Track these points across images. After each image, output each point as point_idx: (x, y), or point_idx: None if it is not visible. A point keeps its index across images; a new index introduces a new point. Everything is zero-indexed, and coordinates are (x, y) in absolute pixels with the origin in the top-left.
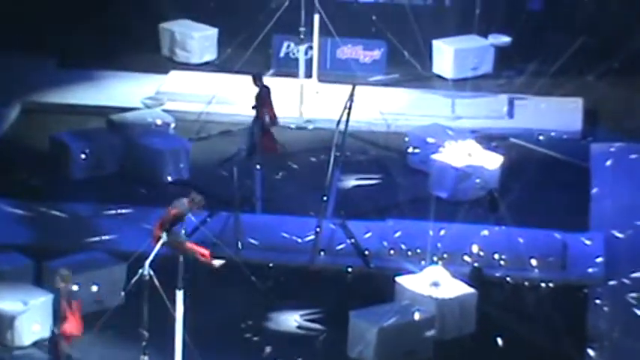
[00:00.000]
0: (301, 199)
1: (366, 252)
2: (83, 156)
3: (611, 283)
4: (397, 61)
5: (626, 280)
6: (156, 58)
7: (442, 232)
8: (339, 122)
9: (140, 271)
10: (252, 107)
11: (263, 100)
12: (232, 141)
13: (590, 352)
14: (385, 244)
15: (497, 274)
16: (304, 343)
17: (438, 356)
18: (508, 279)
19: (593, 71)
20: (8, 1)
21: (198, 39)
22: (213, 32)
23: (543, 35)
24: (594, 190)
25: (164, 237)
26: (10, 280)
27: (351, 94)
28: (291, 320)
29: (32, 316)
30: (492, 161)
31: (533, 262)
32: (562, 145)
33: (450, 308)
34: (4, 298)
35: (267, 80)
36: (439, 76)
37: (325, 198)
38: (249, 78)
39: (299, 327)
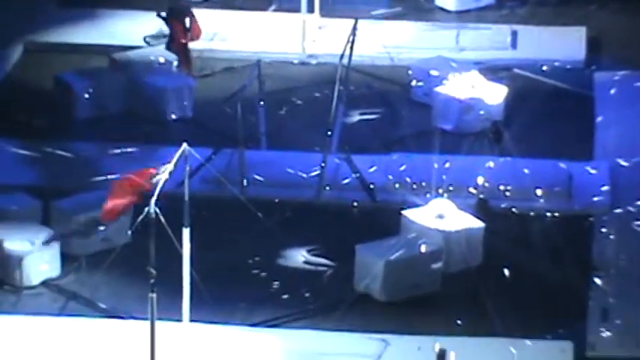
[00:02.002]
0: (306, 135)
1: (372, 186)
2: (87, 95)
3: (617, 211)
4: None
5: (631, 208)
6: None
7: (447, 165)
8: (342, 57)
9: (146, 209)
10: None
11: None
12: (235, 77)
13: (597, 280)
14: (390, 177)
15: (503, 205)
16: (311, 277)
17: (445, 289)
18: (514, 210)
19: None
20: None
21: None
22: None
23: None
24: (599, 119)
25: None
26: (17, 221)
27: (354, 29)
28: (298, 255)
29: (40, 256)
30: (496, 93)
31: (539, 192)
32: (566, 74)
33: (457, 240)
34: (11, 238)
35: (269, 16)
36: (442, 9)
37: (330, 133)
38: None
39: (306, 262)
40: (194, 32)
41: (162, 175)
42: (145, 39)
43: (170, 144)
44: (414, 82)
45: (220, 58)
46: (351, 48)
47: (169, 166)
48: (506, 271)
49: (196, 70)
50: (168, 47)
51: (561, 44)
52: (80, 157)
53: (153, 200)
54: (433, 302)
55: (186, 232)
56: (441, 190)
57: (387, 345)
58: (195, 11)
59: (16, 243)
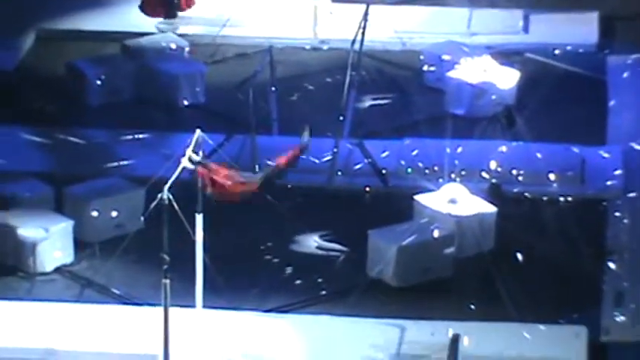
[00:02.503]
0: (317, 120)
1: (384, 171)
2: (99, 82)
3: (630, 195)
4: None
5: None
6: None
7: (459, 150)
8: (353, 42)
9: (159, 195)
10: None
11: None
12: (247, 63)
13: (611, 264)
14: (403, 162)
15: (516, 190)
16: (324, 263)
17: (457, 273)
18: (527, 194)
19: None
20: None
21: None
22: None
23: None
24: (611, 103)
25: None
26: (30, 207)
27: (365, 14)
28: (311, 241)
29: (53, 243)
30: (508, 77)
31: (552, 176)
32: (578, 58)
33: (469, 225)
34: (24, 225)
35: (281, 1)
36: None
37: (342, 118)
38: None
39: (318, 247)
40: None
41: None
42: (157, 25)
43: (182, 130)
44: (425, 67)
45: (232, 44)
46: (363, 33)
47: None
48: (519, 256)
49: (208, 56)
50: None
51: (573, 28)
52: (92, 144)
53: (166, 186)
54: (446, 287)
55: (199, 218)
56: (453, 175)
57: (400, 330)
58: None
59: (30, 230)
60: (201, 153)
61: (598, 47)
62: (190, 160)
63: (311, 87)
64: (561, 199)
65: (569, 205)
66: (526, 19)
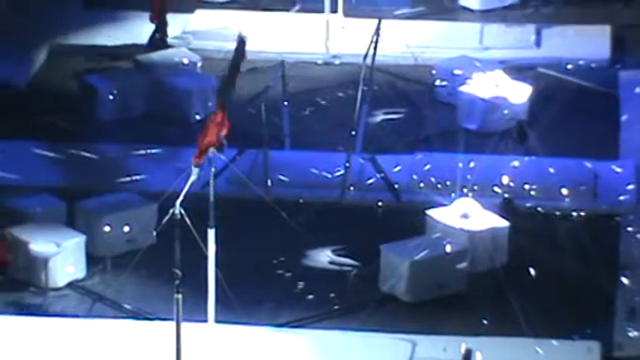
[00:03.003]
0: (330, 135)
1: (396, 186)
2: (111, 97)
3: None
4: None
5: None
6: None
7: (472, 164)
8: (365, 57)
9: (171, 210)
10: None
11: None
12: (259, 78)
13: (624, 279)
14: (415, 177)
15: (528, 205)
16: (336, 278)
17: (470, 288)
18: (539, 209)
19: None
20: None
21: None
22: None
23: None
24: (624, 118)
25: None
26: (42, 222)
27: (377, 28)
28: (323, 256)
29: (66, 258)
30: (521, 92)
31: (564, 191)
32: (590, 73)
33: (482, 240)
34: (36, 239)
35: (293, 16)
36: (465, 8)
37: (354, 133)
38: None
39: (331, 262)
40: None
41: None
42: (168, 40)
43: (194, 145)
44: (438, 82)
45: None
46: (375, 48)
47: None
48: (532, 271)
49: (220, 71)
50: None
51: (586, 43)
52: (105, 159)
53: (178, 201)
54: (458, 302)
55: (211, 233)
56: (465, 190)
57: (412, 345)
58: (220, 12)
59: (42, 245)
60: None
61: (610, 62)
62: None
63: (323, 102)
64: (574, 213)
65: (582, 220)
66: (538, 33)
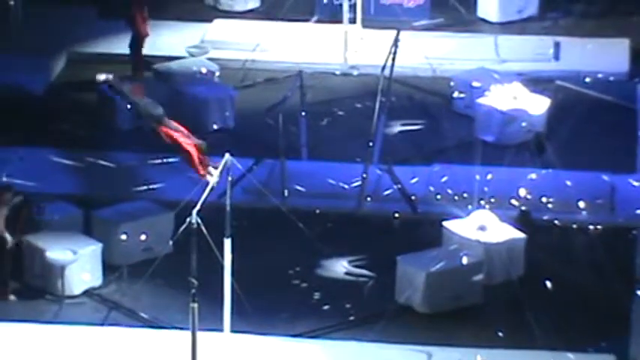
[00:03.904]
0: (347, 146)
1: (413, 197)
2: (129, 106)
3: None
4: (441, 5)
5: None
6: (200, 7)
7: (489, 177)
8: (383, 68)
9: (188, 219)
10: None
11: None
12: (277, 88)
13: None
14: (432, 189)
15: (545, 218)
16: (352, 289)
17: (486, 300)
18: (556, 222)
19: None
20: None
21: None
22: None
23: None
24: None
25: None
26: (59, 230)
27: (396, 40)
28: (339, 266)
29: (82, 266)
30: (539, 104)
31: (581, 204)
32: (609, 86)
33: (498, 252)
34: (53, 247)
35: (311, 27)
36: (484, 20)
37: (371, 144)
38: (293, 25)
39: (347, 273)
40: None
41: (212, 176)
42: (187, 50)
43: (211, 154)
44: (455, 94)
45: (262, 69)
46: (393, 59)
47: (214, 177)
48: (548, 284)
49: (238, 81)
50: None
51: (604, 56)
52: (122, 167)
53: (195, 210)
54: (474, 314)
55: (227, 243)
56: (482, 202)
57: (427, 356)
58: (238, 22)
59: (58, 252)
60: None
61: (629, 75)
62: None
63: (341, 112)
64: (591, 227)
65: (599, 233)
66: (557, 46)
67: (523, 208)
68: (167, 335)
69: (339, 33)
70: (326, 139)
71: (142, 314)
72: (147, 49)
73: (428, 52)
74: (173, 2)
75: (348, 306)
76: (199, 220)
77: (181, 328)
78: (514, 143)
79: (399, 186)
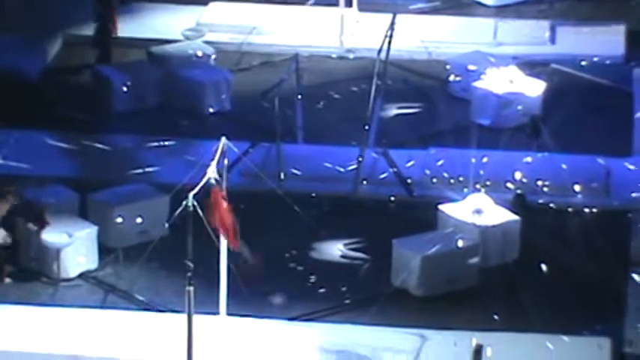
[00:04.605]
0: (343, 129)
1: (409, 181)
2: (125, 89)
3: None
4: None
5: None
6: None
7: (485, 160)
8: (380, 51)
9: (184, 202)
10: None
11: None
12: (273, 71)
13: (635, 276)
14: (427, 172)
15: (541, 201)
16: (348, 272)
17: (481, 283)
18: (551, 205)
19: None
20: None
21: None
22: None
23: None
24: (638, 115)
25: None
26: (55, 213)
27: (392, 23)
28: (335, 250)
29: (77, 249)
30: (534, 87)
31: (577, 187)
32: (605, 70)
33: (494, 235)
34: (49, 230)
35: (307, 10)
36: (480, 3)
37: (367, 127)
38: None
39: (343, 256)
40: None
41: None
42: (183, 33)
43: (207, 137)
44: (451, 77)
45: (258, 52)
46: (389, 42)
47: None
48: (543, 267)
49: (234, 64)
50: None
51: (600, 40)
52: (118, 150)
53: (191, 194)
54: (470, 297)
55: None
56: (478, 185)
57: (422, 339)
58: (234, 5)
59: (54, 235)
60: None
61: (624, 59)
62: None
63: (337, 95)
64: (586, 210)
65: (594, 217)
66: (553, 30)
67: (519, 191)
68: (163, 318)
69: (335, 16)
70: (322, 122)
71: (138, 297)
72: (142, 33)
73: (424, 36)
74: None
75: (343, 289)
76: (195, 204)
77: (177, 311)
78: (510, 126)
79: (395, 169)
